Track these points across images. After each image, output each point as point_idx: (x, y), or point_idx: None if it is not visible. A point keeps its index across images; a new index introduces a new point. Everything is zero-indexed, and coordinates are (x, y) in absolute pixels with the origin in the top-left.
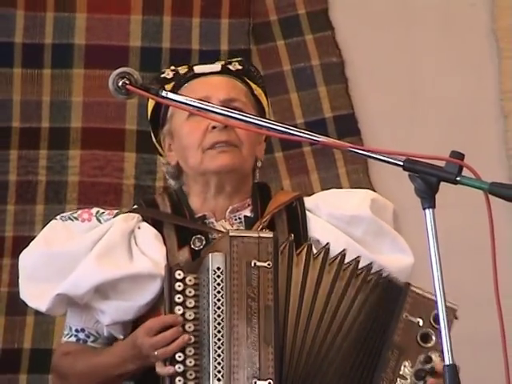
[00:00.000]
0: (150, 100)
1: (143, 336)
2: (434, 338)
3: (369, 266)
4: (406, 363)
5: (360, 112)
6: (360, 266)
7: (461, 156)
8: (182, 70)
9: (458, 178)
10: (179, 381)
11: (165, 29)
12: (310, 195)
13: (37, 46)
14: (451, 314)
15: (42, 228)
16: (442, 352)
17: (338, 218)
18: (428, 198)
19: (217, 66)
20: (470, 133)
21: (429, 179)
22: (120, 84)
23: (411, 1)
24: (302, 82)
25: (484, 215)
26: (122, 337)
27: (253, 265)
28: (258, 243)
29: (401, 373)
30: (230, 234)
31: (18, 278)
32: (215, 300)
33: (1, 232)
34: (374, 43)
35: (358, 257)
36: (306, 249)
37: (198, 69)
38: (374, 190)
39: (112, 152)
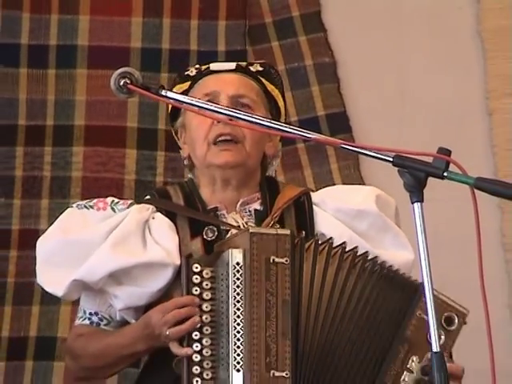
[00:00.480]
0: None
1: (157, 314)
2: (442, 337)
3: (367, 256)
4: (414, 358)
5: (351, 110)
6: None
7: (448, 152)
8: (203, 67)
9: (445, 174)
10: (196, 369)
11: (164, 30)
12: (314, 191)
13: (42, 47)
14: (461, 318)
15: (48, 221)
16: (448, 353)
17: (344, 212)
18: (416, 192)
19: (231, 65)
20: (457, 130)
21: (417, 174)
22: (121, 83)
23: (401, 4)
24: (295, 82)
25: (470, 209)
26: (133, 321)
27: (271, 261)
28: (276, 240)
29: (408, 366)
30: (251, 230)
31: (24, 268)
32: (235, 294)
33: (7, 225)
34: (365, 44)
35: (356, 247)
36: (313, 244)
37: (213, 66)
38: (365, 185)
39: (114, 149)
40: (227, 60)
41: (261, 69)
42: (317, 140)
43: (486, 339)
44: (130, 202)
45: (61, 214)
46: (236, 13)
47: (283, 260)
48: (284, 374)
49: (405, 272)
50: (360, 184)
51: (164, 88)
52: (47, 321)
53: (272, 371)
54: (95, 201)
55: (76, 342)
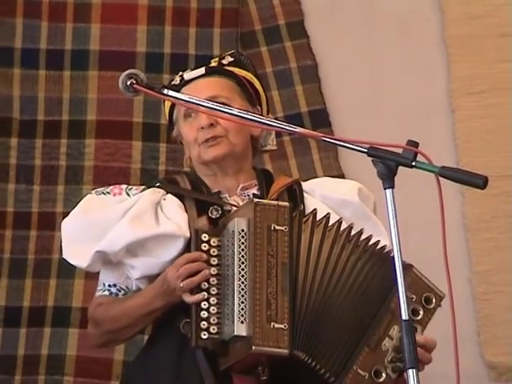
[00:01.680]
0: (165, 107)
1: (171, 270)
2: (421, 313)
3: (361, 233)
4: (395, 327)
5: (331, 107)
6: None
7: (415, 144)
8: (175, 80)
9: (413, 163)
10: (203, 325)
11: (166, 37)
12: (305, 180)
13: (58, 51)
14: (438, 299)
15: (63, 205)
16: (425, 328)
17: (330, 200)
18: (388, 179)
19: (201, 70)
20: (424, 125)
21: (389, 164)
22: (128, 83)
23: (375, 14)
24: (281, 82)
25: (435, 194)
26: None
27: (272, 228)
28: (276, 210)
29: (389, 333)
30: (255, 201)
31: (42, 247)
32: (240, 256)
33: (28, 208)
34: (343, 49)
35: (351, 225)
36: (311, 217)
37: (186, 76)
38: (343, 174)
39: (121, 141)
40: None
41: (232, 59)
42: (300, 133)
43: (449, 307)
44: (142, 187)
45: (79, 200)
46: (229, 21)
47: (283, 228)
48: (283, 326)
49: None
50: (339, 172)
51: (165, 87)
52: (63, 292)
53: (272, 323)
54: (111, 187)
55: (97, 310)
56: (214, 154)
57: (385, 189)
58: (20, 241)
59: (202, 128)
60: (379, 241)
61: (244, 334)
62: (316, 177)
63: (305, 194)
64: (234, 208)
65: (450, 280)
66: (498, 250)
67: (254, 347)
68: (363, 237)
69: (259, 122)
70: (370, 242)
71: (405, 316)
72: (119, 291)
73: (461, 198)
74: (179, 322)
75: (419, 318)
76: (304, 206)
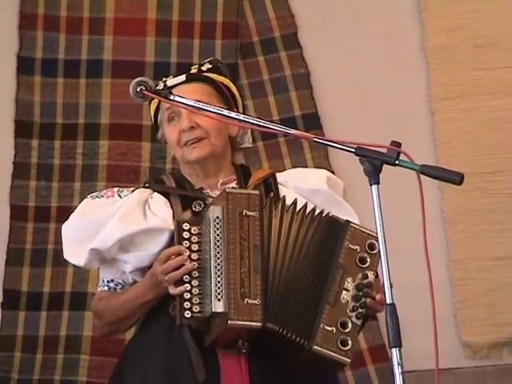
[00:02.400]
0: (150, 110)
1: (156, 265)
2: (368, 260)
3: (322, 212)
4: (349, 279)
5: (322, 111)
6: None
7: (398, 145)
8: (159, 86)
9: (396, 162)
10: (186, 305)
11: (172, 47)
12: (281, 171)
13: (75, 61)
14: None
15: (80, 200)
16: (376, 271)
17: (302, 190)
18: (374, 176)
19: (182, 77)
20: (406, 127)
21: (374, 162)
22: (138, 90)
23: (361, 27)
24: (277, 88)
25: (416, 190)
26: None
27: (244, 214)
28: (247, 198)
29: (345, 286)
30: (227, 190)
31: (60, 238)
32: (215, 241)
33: (47, 203)
34: (333, 59)
35: (306, 203)
36: (281, 203)
37: (169, 82)
38: (333, 172)
39: (132, 142)
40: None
41: (210, 66)
42: (294, 135)
43: (429, 292)
44: (132, 188)
45: (81, 201)
46: (230, 33)
47: (253, 213)
48: (256, 302)
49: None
50: (329, 170)
51: (171, 93)
52: (80, 279)
53: (246, 299)
54: (105, 191)
55: (98, 304)
56: (197, 154)
57: (371, 185)
58: (40, 232)
59: (184, 131)
60: (329, 212)
61: (221, 310)
62: None
63: (279, 186)
64: None
65: (429, 267)
66: (472, 240)
67: (229, 322)
68: (317, 212)
69: (258, 125)
70: (320, 213)
71: (389, 300)
72: (117, 286)
73: (439, 193)
74: (169, 305)
75: (368, 264)
76: (279, 196)
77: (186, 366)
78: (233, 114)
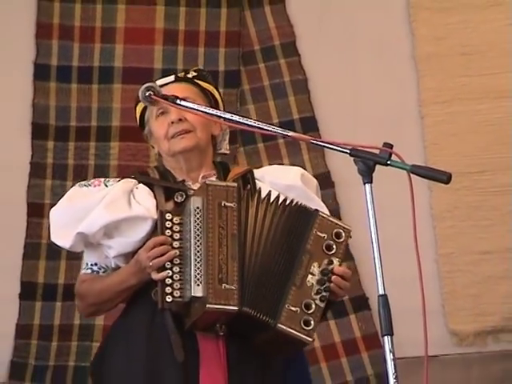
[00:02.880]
0: (136, 112)
1: (142, 252)
2: (334, 247)
3: (286, 199)
4: (315, 264)
5: (318, 115)
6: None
7: (390, 146)
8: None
9: (388, 162)
10: (168, 290)
11: (179, 55)
12: (258, 168)
13: (88, 68)
14: (347, 232)
15: None
16: (341, 258)
17: (277, 185)
18: (367, 175)
19: (171, 78)
20: (397, 129)
21: (368, 162)
22: (147, 94)
23: (355, 36)
24: (276, 93)
25: (407, 188)
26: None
27: (223, 205)
28: (226, 190)
29: (311, 270)
30: (207, 182)
31: None
32: (195, 229)
33: None
34: (329, 65)
35: (279, 194)
36: (257, 195)
37: (158, 82)
38: (329, 172)
39: (141, 143)
40: (225, 77)
41: (195, 74)
42: (292, 137)
43: (419, 284)
44: (118, 179)
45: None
46: (232, 42)
47: (231, 204)
48: (232, 287)
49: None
50: (325, 170)
51: (178, 98)
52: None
53: (223, 284)
54: (92, 180)
55: (82, 286)
56: (183, 145)
57: (364, 183)
58: None
59: (172, 123)
60: (299, 201)
61: (200, 294)
62: None
63: (256, 181)
64: None
65: (419, 261)
66: (459, 235)
67: (207, 305)
68: (289, 201)
69: (257, 127)
70: (291, 203)
71: (381, 291)
72: (100, 269)
73: (428, 191)
74: (151, 291)
75: (334, 251)
76: (255, 190)
77: (167, 347)
78: (235, 118)
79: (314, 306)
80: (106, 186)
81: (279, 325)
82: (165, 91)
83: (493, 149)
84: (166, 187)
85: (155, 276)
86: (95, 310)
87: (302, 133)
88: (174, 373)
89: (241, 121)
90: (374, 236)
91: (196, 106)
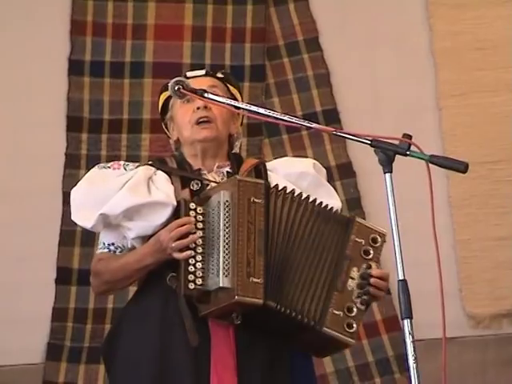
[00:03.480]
0: (160, 99)
1: (165, 232)
2: (372, 252)
3: (324, 204)
4: (355, 269)
5: (340, 107)
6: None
7: (409, 137)
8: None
9: (407, 152)
10: (190, 277)
11: (206, 50)
12: (269, 161)
13: (120, 63)
14: (382, 237)
15: None
16: (378, 261)
17: (290, 175)
18: (387, 165)
19: (202, 71)
20: (416, 121)
21: (388, 153)
22: (176, 88)
23: (376, 32)
24: (300, 87)
25: (425, 177)
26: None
27: (252, 200)
28: (255, 186)
29: (351, 275)
30: (238, 178)
31: None
32: (225, 222)
33: None
34: (350, 60)
35: (315, 199)
36: (283, 192)
37: (189, 74)
38: (351, 162)
39: None
40: (251, 71)
41: (222, 76)
42: (316, 128)
43: (437, 269)
44: (137, 164)
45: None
46: (258, 38)
47: (259, 201)
48: (259, 280)
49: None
50: (347, 160)
51: (206, 91)
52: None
53: (251, 278)
54: (112, 163)
55: (98, 264)
56: (204, 135)
57: (384, 173)
58: None
59: (198, 108)
60: (330, 205)
61: (228, 285)
62: (329, 164)
63: (269, 173)
64: (212, 184)
65: (437, 247)
66: (476, 222)
67: (236, 297)
68: (318, 203)
69: (282, 119)
70: (323, 206)
71: (401, 276)
72: (116, 249)
73: (446, 180)
74: (165, 276)
75: (371, 256)
76: (268, 180)
77: (180, 332)
78: (261, 110)
79: (355, 309)
80: (125, 169)
81: (325, 328)
82: (194, 83)
83: (508, 139)
84: (183, 176)
85: (178, 255)
86: (108, 288)
87: (324, 124)
88: (186, 357)
89: (266, 113)
90: (393, 223)
91: (223, 99)
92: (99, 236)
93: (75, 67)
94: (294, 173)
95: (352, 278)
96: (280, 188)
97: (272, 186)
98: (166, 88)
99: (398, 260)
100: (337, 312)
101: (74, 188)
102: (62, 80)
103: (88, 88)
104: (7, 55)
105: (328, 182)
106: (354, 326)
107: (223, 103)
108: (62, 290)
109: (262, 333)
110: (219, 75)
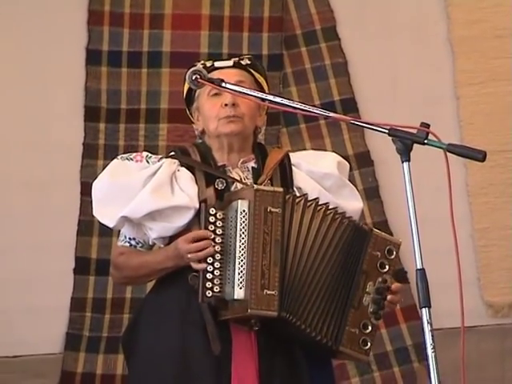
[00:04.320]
0: (184, 86)
1: (182, 242)
2: (387, 266)
3: (344, 214)
4: (370, 283)
5: (358, 96)
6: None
7: (427, 126)
8: (208, 63)
9: (425, 141)
10: (208, 285)
11: (224, 40)
12: (294, 151)
13: (137, 53)
14: (397, 247)
15: None
16: (393, 273)
17: (314, 173)
18: (405, 154)
19: (229, 62)
20: (434, 109)
21: (405, 142)
22: (193, 78)
23: (393, 20)
24: (318, 76)
25: (443, 166)
26: (162, 246)
27: (268, 210)
28: (272, 195)
29: (367, 290)
30: (255, 187)
31: None
32: (241, 232)
33: None
34: (368, 49)
35: (337, 207)
36: (303, 200)
37: (217, 64)
38: (369, 151)
39: (188, 125)
40: (269, 61)
41: (249, 62)
42: (333, 117)
43: (455, 258)
44: (160, 156)
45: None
46: (275, 27)
47: (277, 210)
48: (273, 293)
49: (356, 218)
50: (364, 149)
51: (223, 81)
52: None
53: (265, 290)
54: (134, 154)
55: (119, 258)
56: (231, 129)
57: (402, 162)
58: None
59: (226, 105)
60: (351, 216)
61: (242, 297)
62: (347, 153)
63: (293, 168)
64: (237, 184)
65: (455, 236)
66: (494, 211)
67: (249, 310)
68: (337, 212)
69: (300, 109)
70: (341, 215)
71: (419, 265)
72: (137, 244)
73: (464, 169)
74: (187, 273)
75: (386, 269)
76: (292, 178)
77: (202, 334)
78: (281, 100)
79: (370, 325)
80: (148, 162)
81: (341, 348)
82: (220, 75)
83: None
84: (207, 172)
85: (195, 265)
86: (128, 282)
87: (342, 114)
88: (207, 360)
89: (285, 103)
90: (411, 212)
91: (241, 89)
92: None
93: (93, 57)
94: (317, 172)
95: (367, 293)
96: (299, 196)
97: (291, 193)
98: (193, 71)
99: (417, 249)
100: (353, 330)
101: (96, 180)
102: (80, 70)
103: (106, 78)
104: (25, 45)
105: (360, 168)
106: (369, 343)
107: (245, 94)
108: (81, 279)
109: (282, 338)
110: (246, 61)
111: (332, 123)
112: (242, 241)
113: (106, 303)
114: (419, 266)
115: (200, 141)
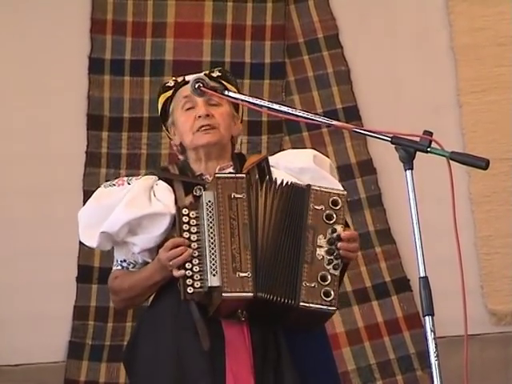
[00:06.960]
0: (159, 102)
1: (162, 252)
2: (334, 215)
3: (282, 182)
4: (321, 236)
5: (361, 104)
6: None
7: (430, 134)
8: (179, 79)
9: (428, 149)
10: (189, 282)
11: (226, 48)
12: (272, 155)
13: (140, 61)
14: (343, 197)
15: None
16: (344, 223)
17: (291, 170)
18: (408, 162)
19: (200, 75)
20: (436, 117)
21: (408, 150)
22: (196, 86)
23: (396, 28)
24: (320, 84)
25: (446, 174)
26: (151, 260)
27: (232, 196)
28: (235, 181)
29: (318, 244)
30: (216, 175)
31: None
32: (208, 222)
33: None
34: (370, 57)
35: (282, 179)
36: (265, 184)
37: (188, 78)
38: (371, 159)
39: None
40: (271, 69)
41: (219, 74)
42: (336, 125)
43: (458, 266)
44: (140, 176)
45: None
46: (278, 35)
47: (241, 195)
48: (246, 274)
49: None
50: (367, 157)
51: (226, 89)
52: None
53: (237, 273)
54: (116, 180)
55: (114, 282)
56: (207, 139)
57: (405, 170)
58: None
59: (199, 117)
60: (289, 180)
61: (216, 284)
62: (349, 161)
63: (272, 169)
64: None
65: (459, 244)
66: (497, 219)
67: (223, 294)
68: (285, 183)
69: (302, 117)
70: (286, 184)
71: (422, 273)
72: (129, 265)
73: (467, 177)
74: (177, 282)
75: (334, 220)
76: (271, 178)
77: (193, 335)
78: (284, 108)
79: (329, 276)
80: (129, 183)
81: (301, 303)
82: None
83: None
84: (185, 182)
85: (176, 273)
86: (128, 304)
87: (344, 122)
88: (201, 358)
89: (287, 111)
90: (414, 220)
91: (243, 97)
92: (113, 253)
93: (95, 65)
94: (294, 167)
95: (320, 247)
96: (265, 180)
97: (256, 179)
98: (164, 89)
99: (420, 257)
100: (310, 284)
101: (82, 208)
102: (83, 78)
103: (108, 86)
104: (28, 54)
105: (362, 176)
106: (332, 293)
107: (244, 101)
108: (83, 288)
109: (268, 326)
110: (217, 73)
111: (334, 131)
112: (211, 230)
113: (109, 312)
114: (422, 274)
115: (182, 157)
